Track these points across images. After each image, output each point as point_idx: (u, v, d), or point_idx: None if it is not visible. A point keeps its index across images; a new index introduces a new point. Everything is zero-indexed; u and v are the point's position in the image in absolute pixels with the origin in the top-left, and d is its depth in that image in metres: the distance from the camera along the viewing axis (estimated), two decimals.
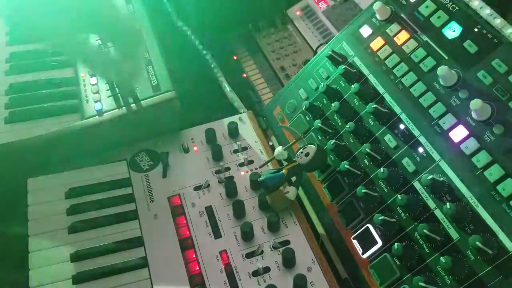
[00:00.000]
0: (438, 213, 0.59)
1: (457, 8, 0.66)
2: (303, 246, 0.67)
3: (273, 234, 0.69)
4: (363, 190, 0.63)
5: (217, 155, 0.78)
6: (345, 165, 0.66)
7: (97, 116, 0.77)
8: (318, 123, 0.72)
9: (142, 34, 0.82)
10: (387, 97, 0.68)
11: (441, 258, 0.55)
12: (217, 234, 0.69)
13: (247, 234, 0.67)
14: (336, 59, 0.75)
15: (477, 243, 0.52)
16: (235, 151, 0.79)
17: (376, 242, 0.62)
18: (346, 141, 0.70)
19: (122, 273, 0.65)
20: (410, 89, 0.66)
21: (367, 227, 0.64)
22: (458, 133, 0.60)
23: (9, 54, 0.92)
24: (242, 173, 0.76)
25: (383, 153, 0.65)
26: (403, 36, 0.70)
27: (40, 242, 0.68)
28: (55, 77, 0.87)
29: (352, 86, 0.70)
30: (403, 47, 0.69)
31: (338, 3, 1.02)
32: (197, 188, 0.75)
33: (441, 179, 0.59)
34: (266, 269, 0.65)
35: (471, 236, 0.54)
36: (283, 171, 0.70)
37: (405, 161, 0.63)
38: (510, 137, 0.56)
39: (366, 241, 0.63)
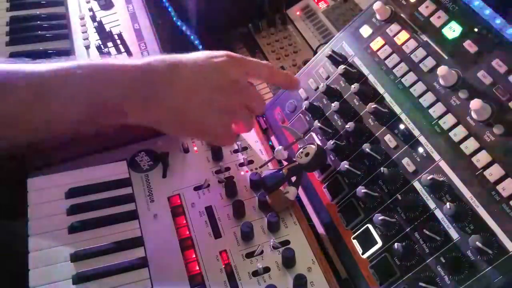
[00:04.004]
0: (438, 213, 0.59)
1: (457, 8, 0.66)
2: (303, 246, 0.67)
3: (273, 234, 0.69)
4: (363, 190, 0.63)
5: (217, 155, 0.78)
6: (345, 165, 0.66)
7: None
8: (318, 123, 0.72)
9: None
10: (387, 97, 0.68)
11: (441, 258, 0.55)
12: (217, 234, 0.69)
13: (247, 234, 0.67)
14: (336, 59, 0.75)
15: (477, 243, 0.52)
16: (235, 151, 0.79)
17: (376, 242, 0.62)
18: (346, 141, 0.70)
19: (122, 273, 0.65)
20: (410, 89, 0.66)
21: (367, 227, 0.64)
22: (458, 133, 0.60)
23: (9, 54, 0.92)
24: (242, 173, 0.76)
25: (383, 153, 0.65)
26: (403, 36, 0.70)
27: (40, 242, 0.68)
28: None
29: (352, 86, 0.70)
30: (403, 47, 0.69)
31: (338, 3, 1.02)
32: (197, 188, 0.74)
33: (441, 179, 0.59)
34: (266, 269, 0.65)
35: (471, 236, 0.54)
36: (283, 171, 0.70)
37: (405, 161, 0.63)
38: (510, 137, 0.56)
39: (366, 241, 0.63)
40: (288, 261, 0.64)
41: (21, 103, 0.58)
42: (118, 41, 0.89)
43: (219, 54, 0.65)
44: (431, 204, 0.59)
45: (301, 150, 0.69)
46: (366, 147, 0.65)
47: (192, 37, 1.09)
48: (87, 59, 0.69)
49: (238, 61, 0.66)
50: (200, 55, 0.65)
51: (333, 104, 0.71)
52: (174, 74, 0.62)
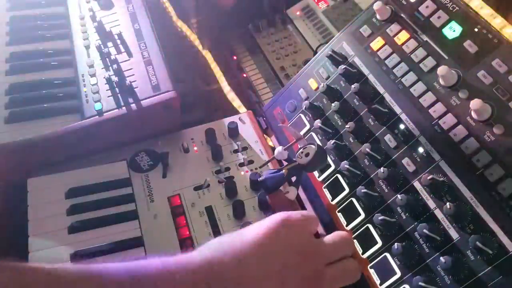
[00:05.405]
0: (438, 213, 0.59)
1: (457, 8, 0.66)
2: None
3: None
4: (363, 190, 0.63)
5: (217, 155, 0.78)
6: (345, 165, 0.66)
7: (97, 116, 0.76)
8: (318, 123, 0.72)
9: None
10: (387, 97, 0.68)
11: (441, 258, 0.55)
12: (217, 234, 0.69)
13: None
14: (336, 59, 0.75)
15: (477, 243, 0.52)
16: (235, 151, 0.79)
17: (376, 242, 0.62)
18: (346, 141, 0.70)
19: None
20: (410, 89, 0.66)
21: (367, 227, 0.64)
22: (458, 133, 0.60)
23: (9, 54, 0.92)
24: (242, 173, 0.76)
25: (383, 153, 0.65)
26: (403, 36, 0.70)
27: (40, 242, 0.68)
28: (55, 77, 0.87)
29: (352, 86, 0.70)
30: (403, 47, 0.69)
31: (338, 3, 1.02)
32: (197, 188, 0.74)
33: (441, 179, 0.59)
34: None
35: (471, 236, 0.54)
36: (283, 171, 0.70)
37: (405, 161, 0.63)
38: (510, 137, 0.56)
39: (366, 241, 0.63)
40: None
41: None
42: (118, 41, 0.88)
43: (277, 226, 0.56)
44: (431, 204, 0.59)
45: (301, 150, 0.69)
46: (366, 147, 0.65)
47: (192, 37, 1.08)
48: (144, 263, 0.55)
49: (299, 227, 0.58)
50: (259, 232, 0.55)
51: (333, 104, 0.71)
52: (243, 269, 0.52)
